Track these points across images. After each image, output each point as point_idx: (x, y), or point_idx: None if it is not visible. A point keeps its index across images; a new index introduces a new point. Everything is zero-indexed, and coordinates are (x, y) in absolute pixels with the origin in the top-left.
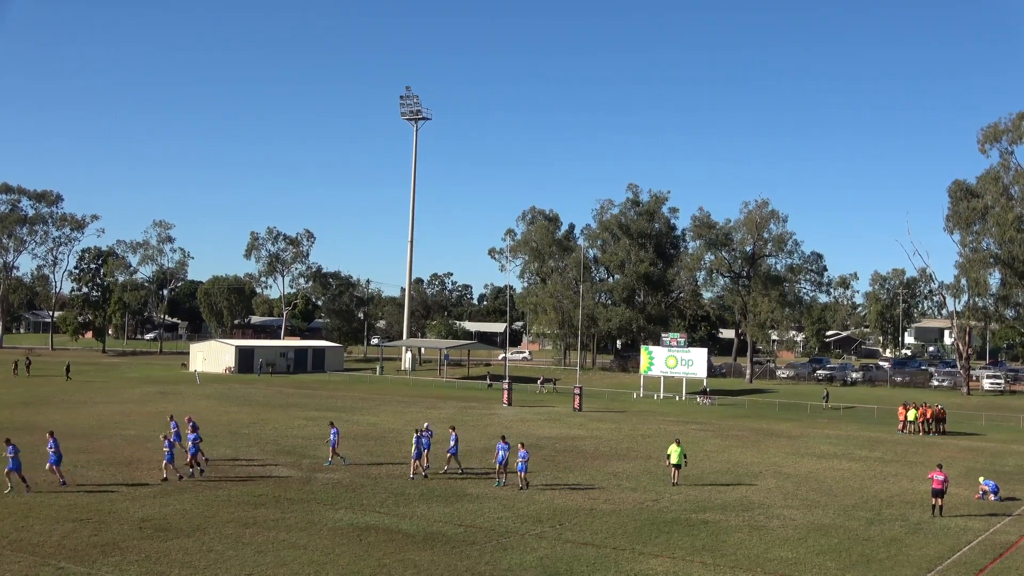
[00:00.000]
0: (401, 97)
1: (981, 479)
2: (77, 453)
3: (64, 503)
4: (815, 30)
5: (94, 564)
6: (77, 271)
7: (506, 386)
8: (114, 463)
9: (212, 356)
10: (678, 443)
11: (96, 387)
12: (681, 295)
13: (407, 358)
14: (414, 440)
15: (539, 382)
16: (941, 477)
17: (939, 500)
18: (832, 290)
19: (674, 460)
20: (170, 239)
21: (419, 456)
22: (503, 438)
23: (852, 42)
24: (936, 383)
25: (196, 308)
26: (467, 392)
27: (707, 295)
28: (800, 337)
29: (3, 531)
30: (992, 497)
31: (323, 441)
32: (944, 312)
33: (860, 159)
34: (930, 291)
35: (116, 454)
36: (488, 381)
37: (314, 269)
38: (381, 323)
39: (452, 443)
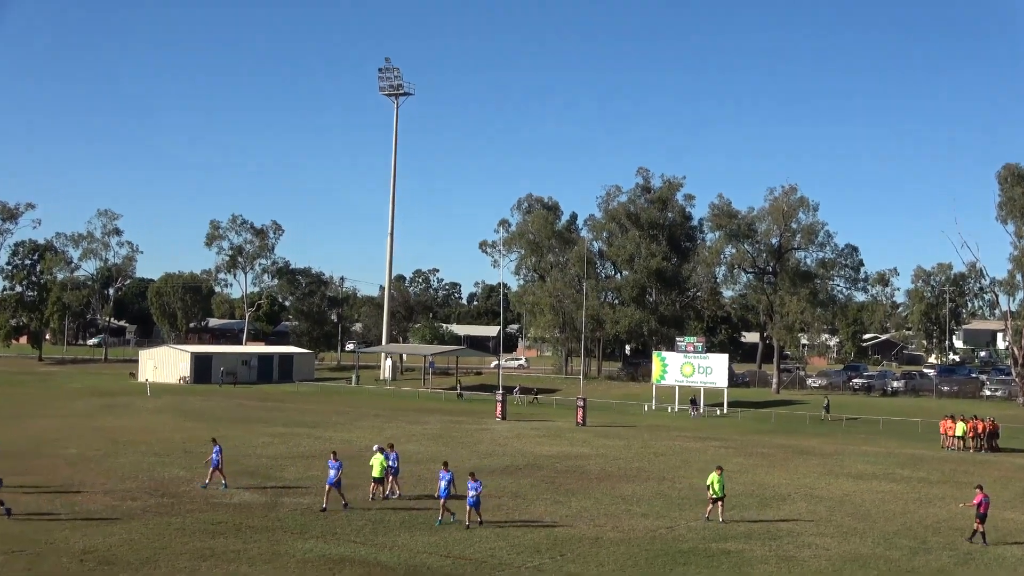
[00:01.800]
0: (380, 70)
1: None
2: (8, 475)
3: None
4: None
5: None
6: (9, 267)
7: (500, 398)
8: (52, 486)
9: (165, 364)
10: (720, 471)
11: (32, 399)
12: (698, 294)
13: (387, 366)
14: (391, 457)
15: (515, 391)
16: (982, 499)
17: (981, 525)
18: (869, 288)
19: (715, 491)
20: (117, 231)
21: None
22: (445, 465)
23: (890, 19)
24: (988, 393)
25: (146, 310)
26: (455, 405)
27: (728, 293)
28: (833, 341)
29: None
30: None
31: (290, 461)
32: (997, 312)
33: (899, 141)
34: (981, 288)
35: (54, 476)
36: (459, 391)
37: (281, 265)
38: (357, 326)
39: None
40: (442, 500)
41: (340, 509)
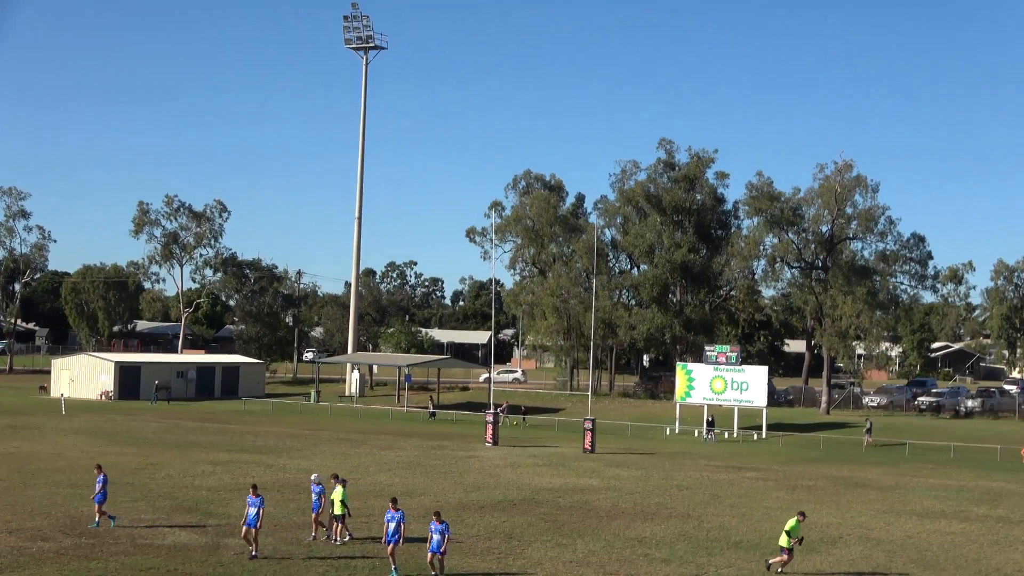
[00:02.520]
0: (345, 18)
1: None
2: None
3: None
4: None
5: None
6: None
7: (490, 419)
8: None
9: (83, 376)
10: (802, 517)
11: None
12: (732, 293)
13: (353, 379)
14: (316, 491)
15: (500, 409)
16: None
17: None
18: (940, 287)
19: (782, 540)
20: (24, 214)
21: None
22: (393, 502)
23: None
24: None
25: (60, 309)
26: (436, 427)
27: (768, 293)
28: (896, 351)
29: None
30: None
31: (235, 494)
32: None
33: (971, 116)
34: None
35: None
36: (431, 410)
37: (226, 256)
38: (318, 331)
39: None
40: (390, 545)
41: (255, 554)
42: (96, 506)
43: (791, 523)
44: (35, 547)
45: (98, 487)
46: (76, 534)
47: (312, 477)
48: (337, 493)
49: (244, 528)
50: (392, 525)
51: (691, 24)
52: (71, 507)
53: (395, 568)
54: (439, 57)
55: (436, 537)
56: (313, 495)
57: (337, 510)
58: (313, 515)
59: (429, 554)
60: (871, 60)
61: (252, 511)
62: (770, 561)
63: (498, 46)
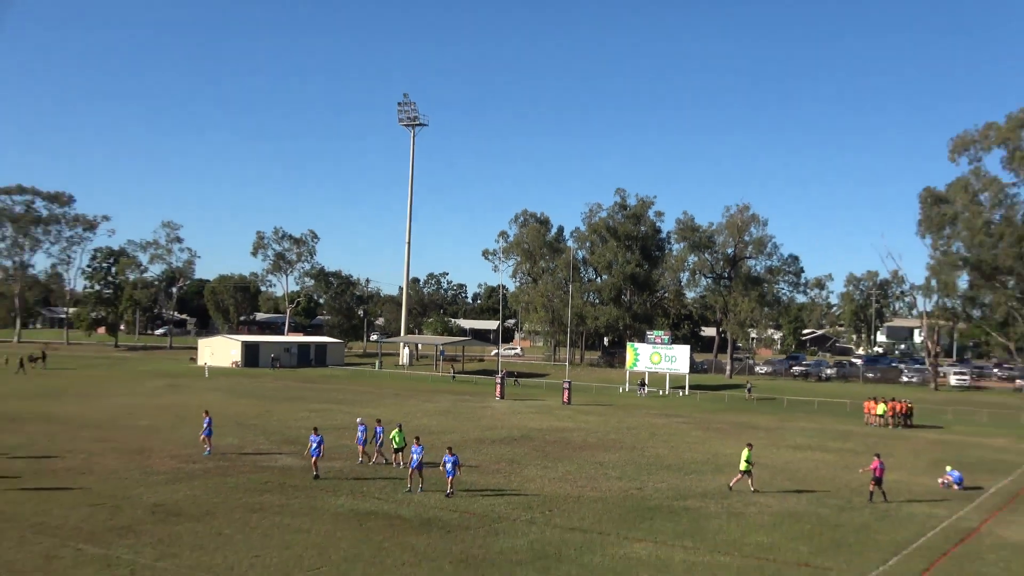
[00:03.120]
0: (399, 104)
1: (948, 468)
2: (92, 442)
3: (81, 488)
4: (802, 45)
5: (110, 546)
6: (90, 269)
7: (499, 380)
8: (128, 452)
9: (219, 351)
10: (749, 447)
11: (109, 381)
12: (665, 295)
13: (404, 354)
14: (360, 430)
15: (505, 375)
16: (878, 465)
17: (878, 487)
18: (808, 291)
19: (742, 466)
20: (178, 239)
21: (364, 443)
22: (417, 439)
23: (834, 61)
24: (905, 379)
25: (204, 305)
26: (461, 386)
27: (690, 295)
28: (778, 335)
29: (24, 515)
30: (956, 487)
31: (325, 431)
32: (914, 312)
33: (837, 166)
34: (901, 292)
35: (129, 443)
36: (452, 374)
37: (317, 269)
38: (380, 320)
39: (365, 434)
40: (412, 469)
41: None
42: (205, 438)
43: (746, 452)
44: (188, 467)
45: (204, 426)
46: (216, 459)
47: (358, 420)
48: (395, 433)
49: (312, 458)
50: (415, 456)
51: (640, 101)
52: (212, 441)
53: (411, 487)
54: (467, 130)
55: (449, 466)
56: (359, 432)
57: (396, 444)
58: (360, 447)
59: (447, 477)
60: (766, 120)
61: (313, 445)
62: (730, 484)
63: (506, 120)
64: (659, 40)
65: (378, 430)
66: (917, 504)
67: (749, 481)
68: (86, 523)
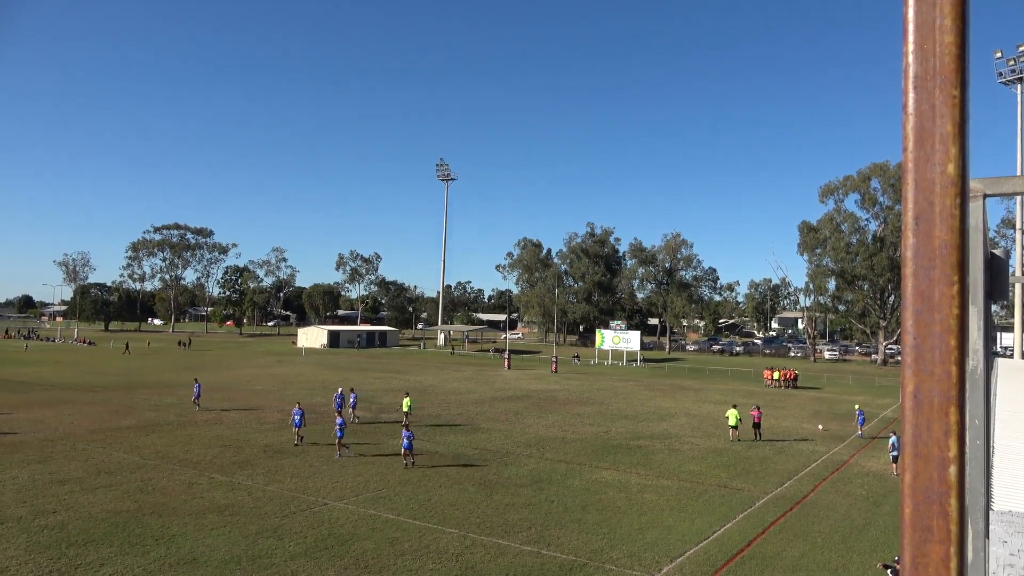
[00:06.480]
0: (436, 165)
1: (856, 406)
2: (222, 400)
3: (213, 434)
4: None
5: (234, 475)
6: (223, 280)
7: (506, 355)
8: (246, 408)
9: (312, 337)
10: (735, 407)
11: (234, 358)
12: (622, 296)
13: (441, 338)
14: (351, 396)
15: (497, 352)
16: (758, 413)
17: (758, 431)
18: (723, 292)
19: (731, 422)
20: (284, 259)
21: (340, 408)
22: (406, 424)
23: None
24: (793, 354)
25: (301, 305)
26: (481, 360)
27: (640, 296)
28: (701, 323)
29: (173, 453)
30: (859, 429)
31: (387, 393)
32: (798, 307)
33: (745, 203)
34: (788, 293)
35: (248, 402)
36: (451, 350)
37: (380, 279)
38: (424, 314)
39: (350, 400)
40: (404, 450)
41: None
42: (344, 411)
43: (734, 412)
44: (290, 419)
45: (337, 399)
46: (309, 413)
47: (338, 390)
48: (406, 400)
49: (295, 428)
50: (406, 441)
51: (603, 153)
52: (307, 400)
53: (406, 464)
54: (485, 182)
55: (406, 441)
56: (335, 399)
57: (405, 408)
58: (336, 411)
59: (403, 450)
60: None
61: (296, 418)
62: (731, 437)
63: (514, 171)
64: (618, 114)
65: (352, 396)
66: (803, 443)
67: (736, 434)
68: (217, 458)
